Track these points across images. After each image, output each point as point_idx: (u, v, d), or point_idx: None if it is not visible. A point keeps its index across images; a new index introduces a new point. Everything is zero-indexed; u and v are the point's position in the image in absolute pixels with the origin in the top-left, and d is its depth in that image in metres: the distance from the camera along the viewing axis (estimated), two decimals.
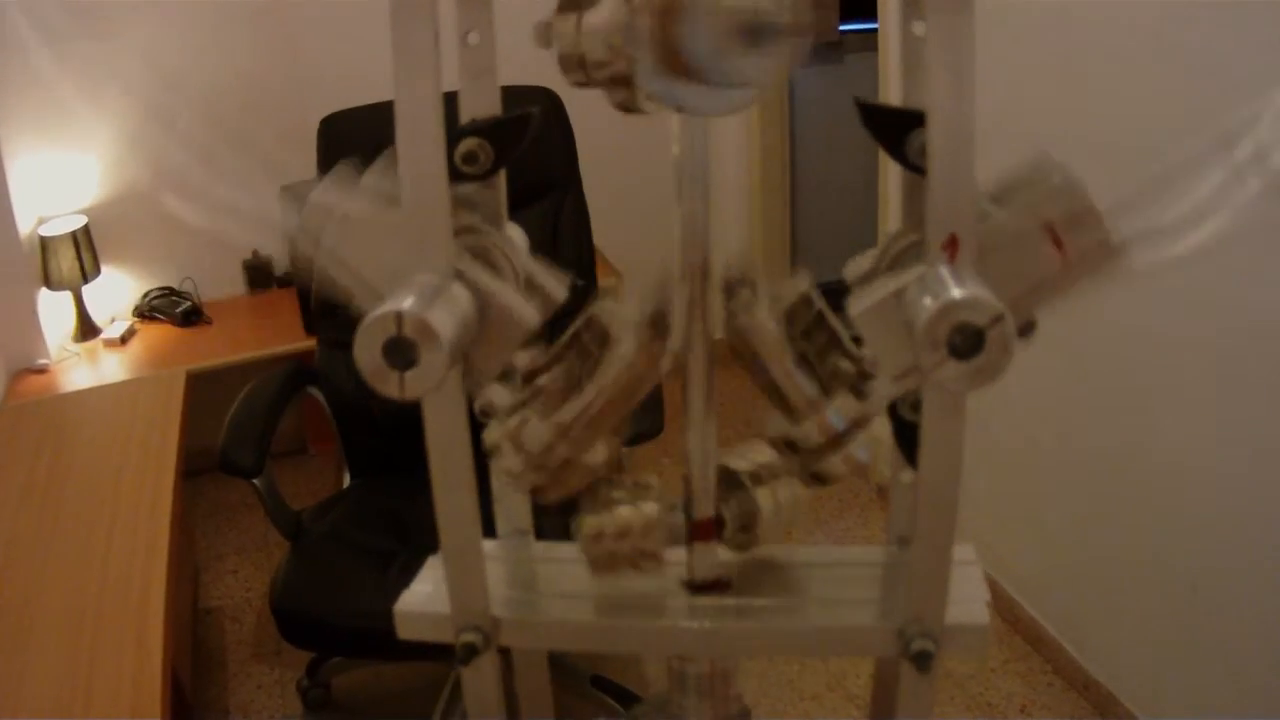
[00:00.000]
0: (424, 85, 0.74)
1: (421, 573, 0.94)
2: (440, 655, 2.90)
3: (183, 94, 3.85)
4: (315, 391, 2.97)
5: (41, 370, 3.66)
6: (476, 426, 0.87)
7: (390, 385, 0.73)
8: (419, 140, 0.74)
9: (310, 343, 3.24)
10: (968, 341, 0.65)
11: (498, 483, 0.95)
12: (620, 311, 0.80)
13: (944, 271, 0.68)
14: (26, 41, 3.56)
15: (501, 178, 0.83)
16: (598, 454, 0.82)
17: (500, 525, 0.96)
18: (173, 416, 2.77)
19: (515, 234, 0.85)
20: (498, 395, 0.83)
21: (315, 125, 2.92)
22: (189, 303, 3.97)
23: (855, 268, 0.82)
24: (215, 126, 3.38)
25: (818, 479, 0.83)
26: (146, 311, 3.98)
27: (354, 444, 3.03)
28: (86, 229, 3.74)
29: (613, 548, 0.84)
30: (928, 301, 0.66)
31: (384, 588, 2.51)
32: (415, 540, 2.70)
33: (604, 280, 3.79)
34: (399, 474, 2.95)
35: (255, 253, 4.13)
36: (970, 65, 0.68)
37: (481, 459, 0.89)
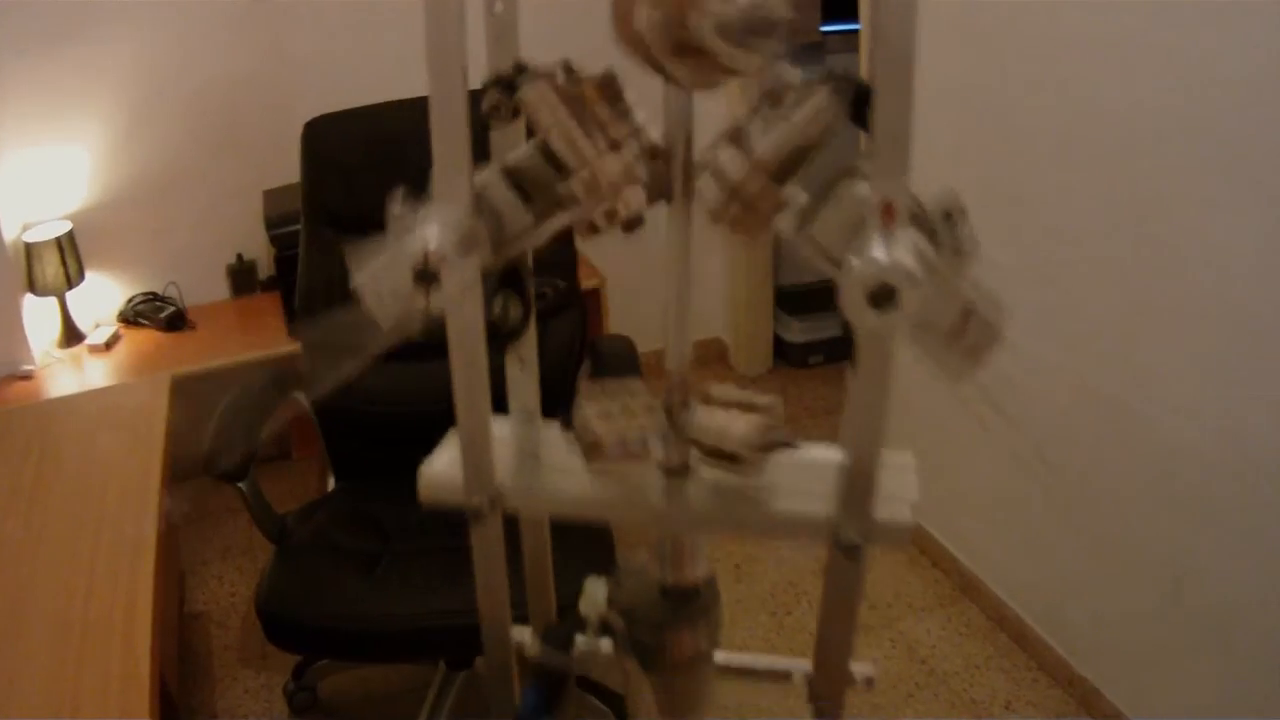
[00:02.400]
0: (452, 68, 0.88)
1: (442, 443, 1.06)
2: (424, 658, 2.91)
3: (168, 99, 3.86)
4: (300, 396, 2.98)
5: (27, 376, 3.66)
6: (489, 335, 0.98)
7: (418, 302, 0.83)
8: (447, 101, 0.88)
9: (294, 347, 3.25)
10: (885, 297, 0.74)
11: (512, 371, 1.07)
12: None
13: (877, 235, 0.78)
14: (10, 47, 3.57)
15: (521, 122, 0.96)
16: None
17: (511, 404, 1.07)
18: (158, 421, 2.77)
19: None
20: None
21: (299, 129, 2.92)
22: (173, 308, 3.97)
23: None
24: (200, 131, 3.42)
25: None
26: (131, 317, 3.97)
27: (338, 448, 3.04)
28: (71, 235, 3.74)
29: (607, 442, 0.96)
30: (855, 261, 0.75)
31: (369, 590, 2.53)
32: (399, 543, 2.71)
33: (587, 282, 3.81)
34: (382, 477, 2.96)
35: (239, 256, 4.13)
36: (910, 49, 0.76)
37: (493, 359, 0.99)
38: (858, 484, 0.90)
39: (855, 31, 3.51)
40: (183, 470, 2.73)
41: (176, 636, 3.25)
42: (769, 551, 3.70)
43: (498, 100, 0.95)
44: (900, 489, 0.99)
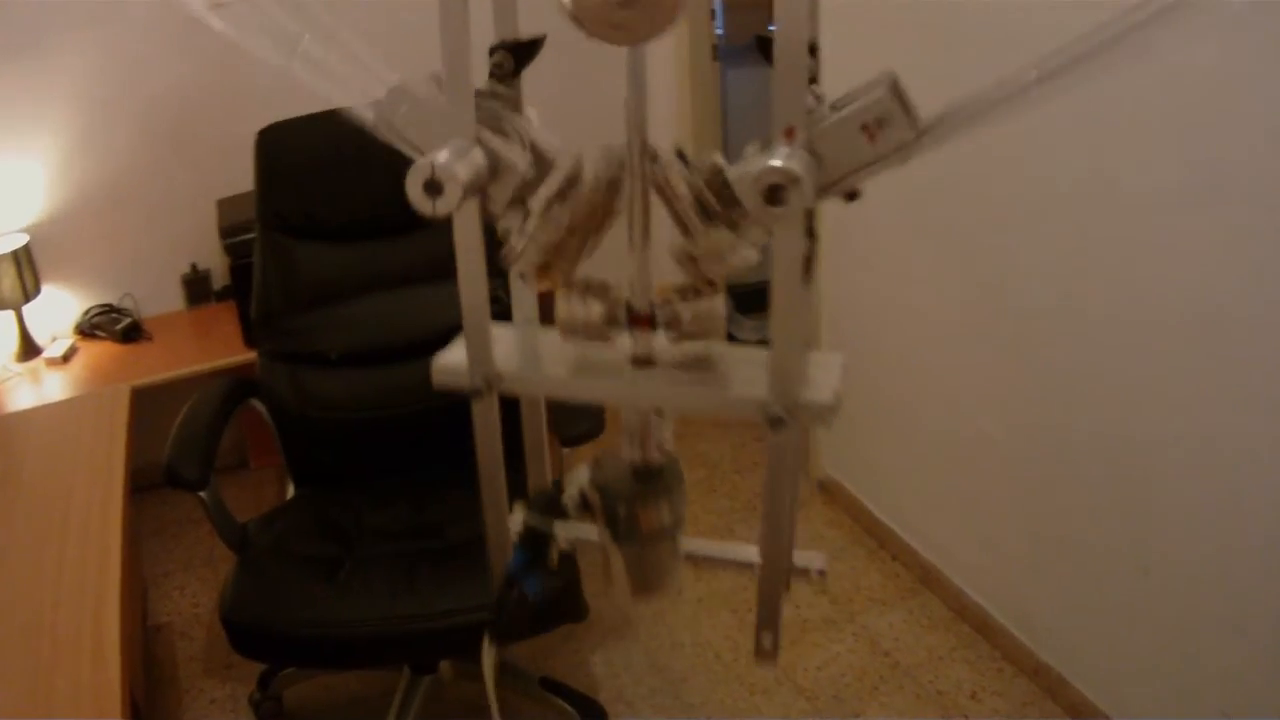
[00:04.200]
0: (459, 22, 1.06)
1: (452, 342, 1.22)
2: (389, 663, 2.91)
3: (119, 110, 3.84)
4: (257, 404, 2.97)
5: None
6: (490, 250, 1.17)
7: (426, 207, 1.01)
8: (454, 57, 1.07)
9: (250, 356, 3.25)
10: (776, 195, 0.95)
11: (515, 285, 1.27)
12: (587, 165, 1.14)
13: (779, 149, 0.98)
14: None
15: (520, 79, 1.16)
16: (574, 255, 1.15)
17: (515, 314, 1.28)
18: (118, 432, 2.76)
19: (531, 114, 1.17)
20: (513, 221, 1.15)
21: (251, 138, 2.92)
22: (129, 319, 3.95)
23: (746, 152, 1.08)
24: (152, 142, 3.40)
25: (710, 284, 1.14)
26: (87, 329, 3.96)
27: (296, 455, 3.04)
28: (28, 248, 3.73)
29: (577, 325, 1.17)
30: (755, 166, 0.96)
31: (332, 597, 2.54)
32: (361, 549, 2.71)
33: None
34: (342, 483, 2.97)
35: (193, 266, 4.12)
36: (803, 16, 0.96)
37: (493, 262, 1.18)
38: (781, 369, 1.07)
39: None
40: (140, 482, 2.73)
41: (141, 649, 3.24)
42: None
43: (501, 60, 1.14)
44: (826, 379, 1.13)
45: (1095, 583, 2.78)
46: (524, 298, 1.28)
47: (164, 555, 3.92)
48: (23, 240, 3.73)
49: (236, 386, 2.95)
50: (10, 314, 3.78)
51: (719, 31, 4.82)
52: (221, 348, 3.80)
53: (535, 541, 1.26)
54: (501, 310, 1.19)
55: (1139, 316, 2.45)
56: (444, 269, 2.90)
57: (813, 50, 1.05)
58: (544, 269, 1.14)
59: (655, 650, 3.30)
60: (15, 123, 3.74)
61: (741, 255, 1.12)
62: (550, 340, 1.23)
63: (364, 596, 2.54)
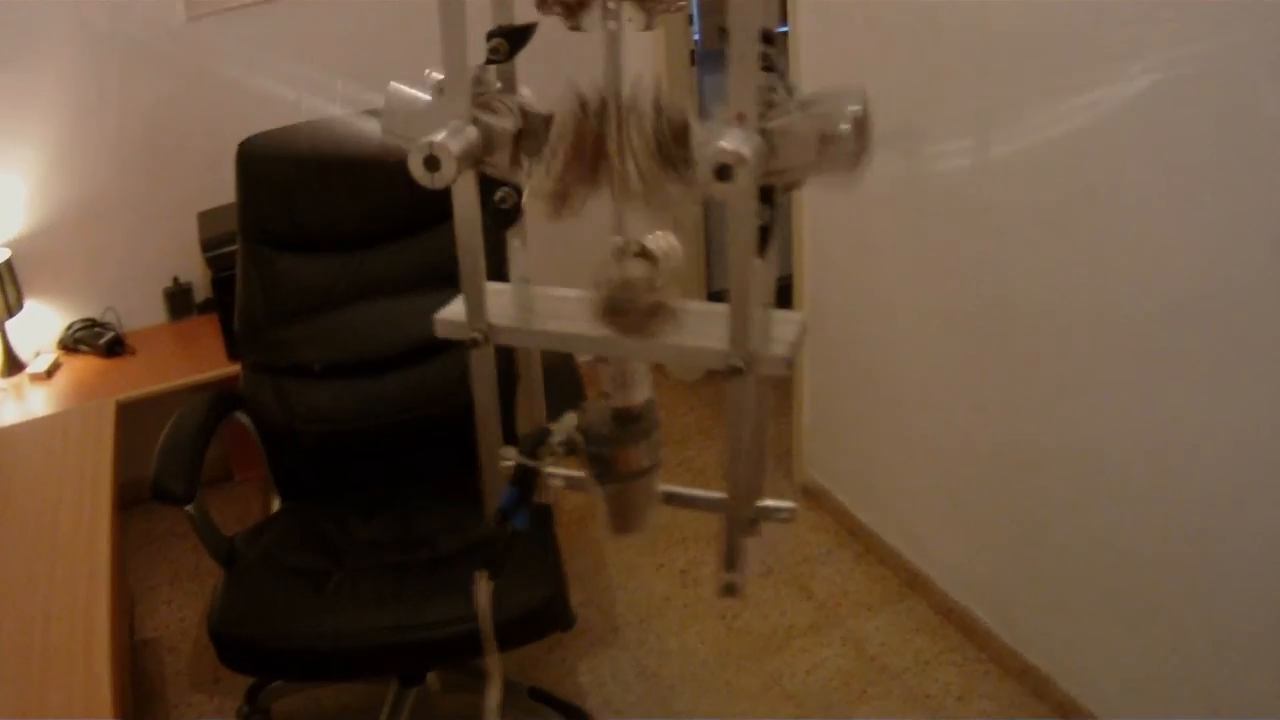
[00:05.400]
0: (457, 18, 1.17)
1: (453, 300, 1.34)
2: (378, 675, 2.91)
3: (99, 123, 3.84)
4: (242, 417, 2.97)
5: None
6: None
7: (427, 181, 1.13)
8: (452, 49, 1.18)
9: (234, 368, 3.24)
10: (724, 173, 1.03)
11: (513, 245, 1.37)
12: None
13: (733, 131, 1.07)
14: None
15: (514, 61, 1.26)
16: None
17: (511, 273, 1.38)
18: (104, 446, 2.76)
19: (526, 91, 1.29)
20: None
21: (232, 150, 2.92)
22: (112, 333, 3.95)
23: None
24: (132, 154, 3.41)
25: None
26: (71, 344, 3.96)
27: (282, 467, 3.03)
28: (9, 263, 3.72)
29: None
30: (709, 147, 1.05)
31: (320, 609, 2.53)
32: (348, 561, 2.70)
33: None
34: (329, 495, 2.97)
35: (175, 279, 4.12)
36: (756, 6, 1.05)
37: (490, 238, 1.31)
38: (739, 323, 1.18)
39: (784, 34, 3.53)
40: (125, 497, 2.72)
41: (129, 664, 3.23)
42: (713, 555, 3.72)
43: (498, 45, 1.23)
44: (783, 334, 1.25)
45: (1081, 583, 2.79)
46: (520, 256, 1.39)
47: (150, 570, 3.91)
48: (4, 255, 3.72)
49: (221, 400, 2.94)
50: None
51: (696, 37, 4.83)
52: (205, 361, 3.79)
53: (525, 479, 1.33)
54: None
55: (1124, 321, 2.47)
56: (428, 278, 2.90)
57: (769, 39, 1.11)
58: (555, 211, 1.24)
59: (643, 658, 3.30)
60: None
61: (686, 209, 1.22)
62: (542, 296, 1.37)
63: (353, 608, 2.53)
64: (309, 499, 3.01)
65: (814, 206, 3.61)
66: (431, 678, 3.02)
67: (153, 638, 3.57)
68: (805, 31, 3.39)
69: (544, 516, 2.70)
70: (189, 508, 2.59)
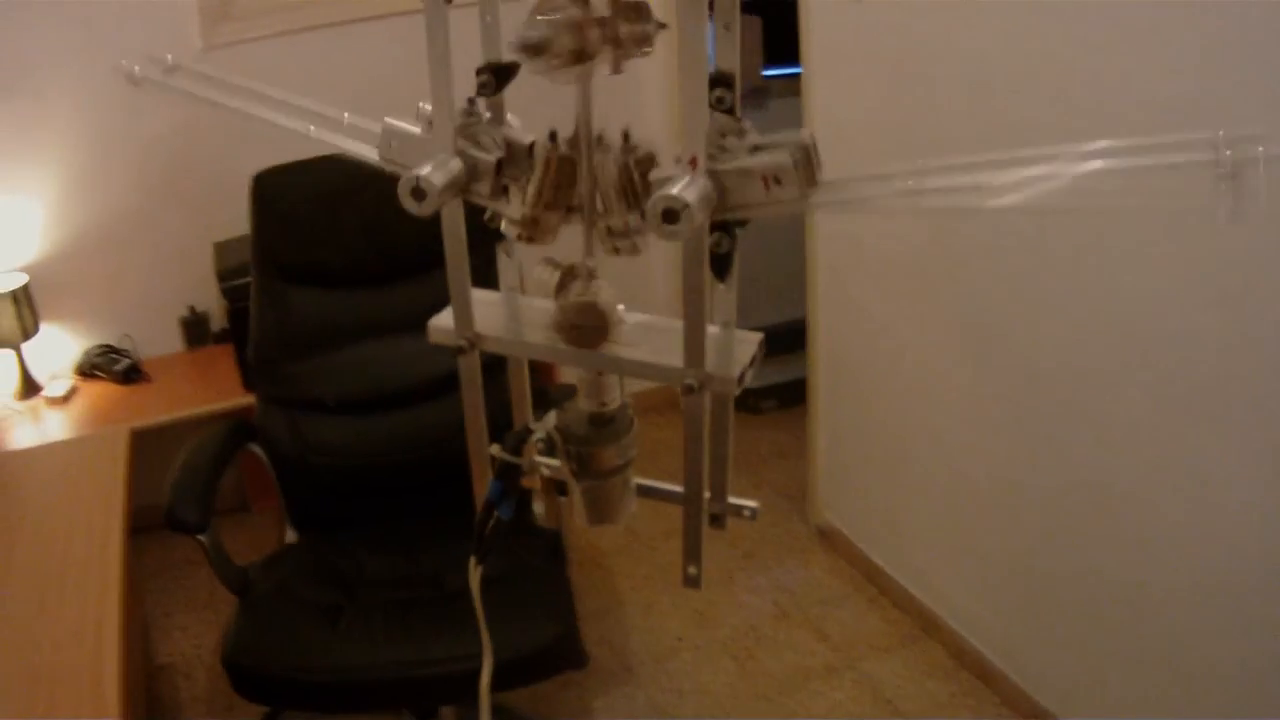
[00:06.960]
0: (441, 50, 1.22)
1: (444, 310, 1.41)
2: (390, 708, 2.90)
3: (117, 151, 3.86)
4: (256, 448, 2.97)
5: None
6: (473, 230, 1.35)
7: (414, 208, 1.19)
8: (440, 87, 1.23)
9: (249, 399, 3.25)
10: (670, 217, 1.07)
11: (501, 259, 1.46)
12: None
13: (681, 177, 1.10)
14: None
15: (503, 94, 1.30)
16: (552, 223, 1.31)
17: (501, 284, 1.46)
18: (118, 473, 2.77)
19: (514, 120, 1.33)
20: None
21: (247, 181, 2.93)
22: (128, 360, 3.96)
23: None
24: (150, 183, 3.40)
25: (618, 251, 1.28)
26: (87, 369, 3.96)
27: (295, 499, 3.03)
28: (26, 287, 3.73)
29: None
30: (659, 193, 1.07)
31: (334, 642, 2.53)
32: (362, 595, 2.70)
33: None
34: (342, 529, 2.97)
35: (191, 309, 4.13)
36: (701, 50, 1.08)
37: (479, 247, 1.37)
38: (692, 344, 1.24)
39: (797, 75, 3.53)
40: (141, 523, 2.73)
41: (144, 689, 3.23)
42: (729, 596, 3.71)
43: (486, 80, 1.27)
44: (739, 355, 1.30)
45: (1094, 627, 2.78)
46: (508, 269, 1.47)
47: (166, 596, 3.91)
48: (22, 280, 3.74)
49: (235, 431, 2.95)
50: (10, 353, 3.78)
51: (711, 66, 4.86)
52: (220, 390, 3.79)
53: (508, 474, 1.42)
54: None
55: (1131, 363, 2.46)
56: None
57: (729, 83, 1.19)
58: (529, 237, 1.30)
59: (656, 697, 3.29)
60: (14, 162, 3.76)
61: (645, 239, 1.27)
62: (529, 307, 1.45)
63: (365, 642, 2.53)
64: (322, 532, 3.01)
65: (829, 254, 3.61)
66: (445, 712, 3.01)
67: (167, 663, 3.56)
68: (817, 71, 3.41)
69: (557, 554, 2.70)
70: (202, 537, 2.59)
